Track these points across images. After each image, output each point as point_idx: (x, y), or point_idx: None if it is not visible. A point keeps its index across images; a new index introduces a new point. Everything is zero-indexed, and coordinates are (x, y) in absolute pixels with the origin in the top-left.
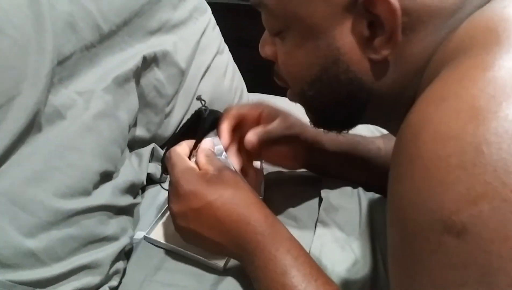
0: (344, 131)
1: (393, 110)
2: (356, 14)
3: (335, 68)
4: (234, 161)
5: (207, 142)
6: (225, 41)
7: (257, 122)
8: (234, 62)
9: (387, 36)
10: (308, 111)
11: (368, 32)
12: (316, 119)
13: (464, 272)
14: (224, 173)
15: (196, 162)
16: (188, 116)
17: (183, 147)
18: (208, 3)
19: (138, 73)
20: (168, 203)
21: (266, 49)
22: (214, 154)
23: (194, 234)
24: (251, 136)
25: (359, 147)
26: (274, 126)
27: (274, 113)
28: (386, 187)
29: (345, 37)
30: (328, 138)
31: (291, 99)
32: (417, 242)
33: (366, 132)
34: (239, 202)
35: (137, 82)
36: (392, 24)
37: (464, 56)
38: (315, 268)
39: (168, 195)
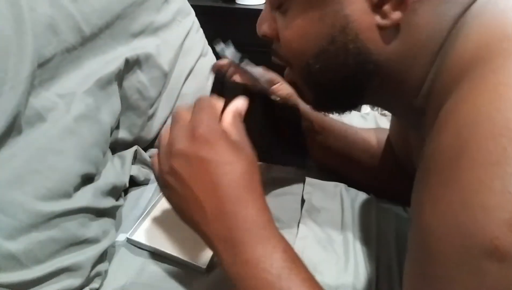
0: (346, 112)
1: (399, 88)
2: None
3: (343, 37)
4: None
5: (240, 102)
6: (209, 44)
7: None
8: None
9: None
10: (310, 90)
11: None
12: (318, 99)
13: None
14: (244, 145)
15: (221, 116)
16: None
17: (217, 102)
18: (192, 5)
19: (120, 76)
20: (170, 138)
21: (264, 27)
22: (242, 118)
23: (182, 186)
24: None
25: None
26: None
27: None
28: (370, 182)
29: (353, 3)
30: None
31: (289, 79)
32: (451, 263)
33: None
34: (247, 184)
35: (120, 85)
36: None
37: (484, 69)
38: (310, 275)
39: (175, 130)
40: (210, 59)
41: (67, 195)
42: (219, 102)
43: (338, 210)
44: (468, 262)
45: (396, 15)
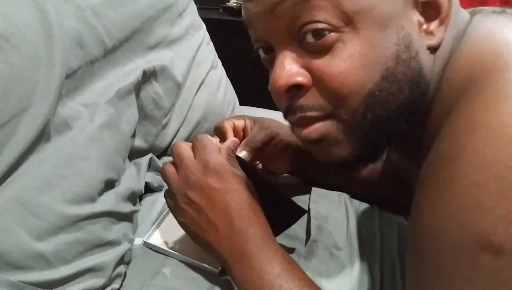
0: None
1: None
2: (412, 2)
3: (407, 55)
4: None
5: (233, 142)
6: (218, 56)
7: (243, 133)
8: (227, 77)
9: (442, 16)
10: (353, 139)
11: (422, 18)
12: (360, 149)
13: (499, 288)
14: (242, 174)
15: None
16: (184, 127)
17: (212, 139)
18: (202, 18)
19: (138, 87)
20: (182, 173)
21: (295, 77)
22: (235, 155)
23: (198, 213)
24: (241, 151)
25: None
26: (255, 132)
27: (252, 121)
28: (370, 196)
29: (409, 24)
30: None
31: (318, 132)
32: (450, 259)
33: None
34: (250, 206)
35: (137, 95)
36: (449, 4)
37: (479, 84)
38: (307, 276)
39: (185, 166)
40: (220, 71)
41: (92, 200)
42: (214, 139)
43: (343, 219)
44: (465, 256)
45: (440, 33)
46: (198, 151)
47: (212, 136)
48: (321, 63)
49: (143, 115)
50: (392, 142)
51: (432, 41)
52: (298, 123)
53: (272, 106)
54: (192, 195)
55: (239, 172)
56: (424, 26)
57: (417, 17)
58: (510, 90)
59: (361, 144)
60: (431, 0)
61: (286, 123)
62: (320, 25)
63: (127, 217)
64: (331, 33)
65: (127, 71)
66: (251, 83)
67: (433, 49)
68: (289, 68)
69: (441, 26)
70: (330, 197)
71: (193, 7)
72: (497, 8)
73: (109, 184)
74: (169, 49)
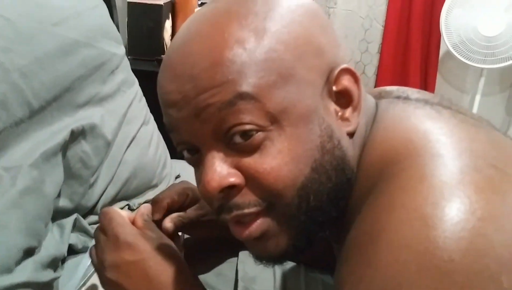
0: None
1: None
2: (327, 92)
3: (331, 145)
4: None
5: (146, 207)
6: (151, 109)
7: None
8: (158, 131)
9: (355, 103)
10: (291, 230)
11: (338, 107)
12: (297, 239)
13: None
14: (161, 236)
15: (133, 224)
16: (112, 185)
17: (120, 210)
18: (137, 70)
19: (65, 146)
20: (99, 255)
21: (228, 178)
22: (151, 220)
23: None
24: (167, 223)
25: None
26: (190, 212)
27: (196, 199)
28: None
29: (328, 114)
30: None
31: (260, 231)
32: None
33: None
34: (171, 267)
35: (64, 155)
36: (359, 91)
37: (395, 168)
38: None
39: (100, 247)
40: (151, 126)
41: (8, 270)
42: (122, 210)
43: (270, 279)
44: None
45: (356, 118)
46: (106, 227)
47: (141, 192)
48: (252, 161)
49: (70, 174)
50: (325, 228)
51: (349, 127)
52: (237, 221)
53: None
54: (110, 276)
55: (155, 234)
56: (340, 114)
57: (333, 106)
58: (422, 174)
59: (298, 234)
60: (343, 89)
61: None
62: (248, 127)
63: (47, 286)
64: (259, 133)
65: (55, 131)
66: None
67: (351, 135)
68: (220, 170)
69: (355, 112)
70: None
71: (126, 63)
72: (400, 91)
73: (29, 252)
74: (100, 106)
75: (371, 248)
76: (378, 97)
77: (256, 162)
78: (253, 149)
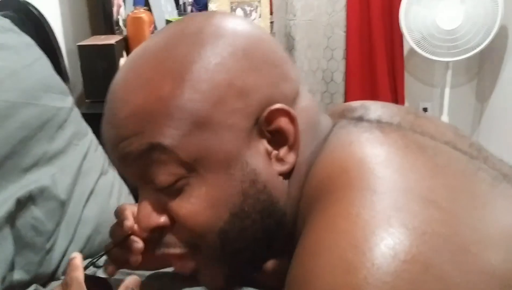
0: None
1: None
2: (258, 132)
3: (254, 190)
4: None
5: (134, 279)
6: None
7: None
8: (120, 179)
9: (291, 143)
10: (222, 267)
11: (270, 147)
12: (233, 272)
13: None
14: None
15: None
16: (74, 245)
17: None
18: (95, 114)
19: (12, 217)
20: None
21: (156, 217)
22: None
23: None
24: None
25: None
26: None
27: None
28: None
29: (255, 158)
30: None
31: (190, 268)
32: None
33: None
34: None
35: (12, 226)
36: (295, 131)
37: (326, 200)
38: None
39: None
40: (111, 175)
41: None
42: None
43: None
44: None
45: (291, 158)
46: None
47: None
48: (174, 205)
49: (22, 245)
50: (260, 266)
51: (283, 167)
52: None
53: None
54: None
55: None
56: (274, 153)
57: (264, 145)
58: (349, 212)
59: (232, 270)
60: (276, 128)
61: None
62: (163, 177)
63: None
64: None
65: None
66: None
67: (286, 175)
68: (148, 212)
69: (291, 151)
70: None
71: (75, 114)
72: (361, 109)
73: None
74: (50, 165)
75: None
76: (340, 115)
77: (177, 205)
78: (176, 193)
